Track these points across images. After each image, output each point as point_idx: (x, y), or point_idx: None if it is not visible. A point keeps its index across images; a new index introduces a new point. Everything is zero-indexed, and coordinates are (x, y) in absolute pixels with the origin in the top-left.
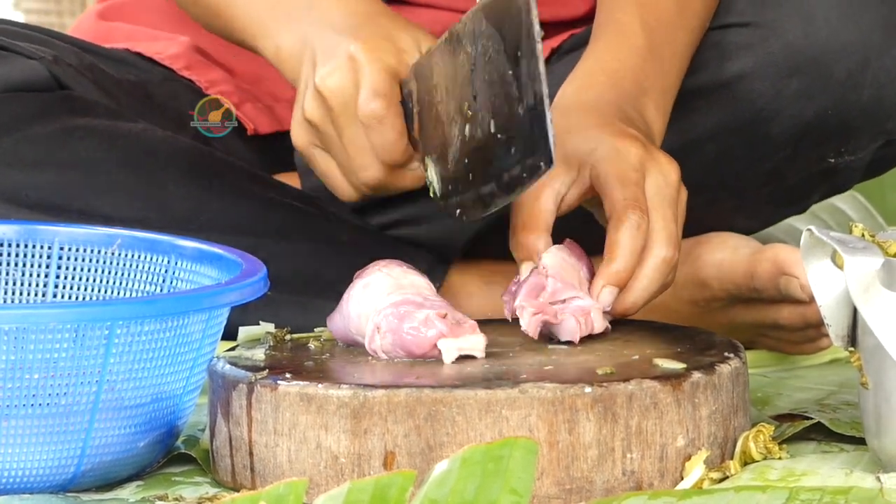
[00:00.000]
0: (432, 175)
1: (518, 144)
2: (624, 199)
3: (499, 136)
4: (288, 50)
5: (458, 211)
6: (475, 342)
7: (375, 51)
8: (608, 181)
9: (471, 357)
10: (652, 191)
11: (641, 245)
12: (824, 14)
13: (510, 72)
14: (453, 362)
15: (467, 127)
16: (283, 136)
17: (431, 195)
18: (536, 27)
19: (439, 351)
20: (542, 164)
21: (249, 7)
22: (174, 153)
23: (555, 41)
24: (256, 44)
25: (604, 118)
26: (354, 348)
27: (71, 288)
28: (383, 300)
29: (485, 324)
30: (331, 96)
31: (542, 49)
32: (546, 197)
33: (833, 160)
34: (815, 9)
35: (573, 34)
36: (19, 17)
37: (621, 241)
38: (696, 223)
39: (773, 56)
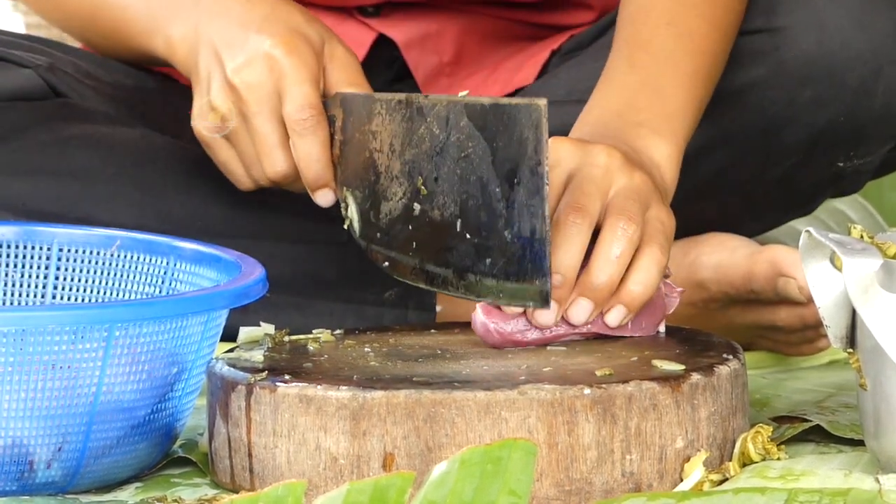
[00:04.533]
0: (352, 212)
1: (497, 261)
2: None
3: (467, 235)
4: (179, 40)
5: (385, 264)
6: None
7: (299, 55)
8: None
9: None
10: (576, 179)
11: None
12: (837, 22)
13: (497, 189)
14: None
15: (419, 202)
16: None
17: (346, 226)
18: (545, 167)
19: None
20: (531, 303)
21: (139, 13)
22: (173, 160)
23: (554, 42)
24: (146, 43)
25: None
26: (351, 350)
27: (70, 289)
28: None
29: None
30: (246, 91)
31: (549, 189)
32: None
33: (843, 165)
34: (828, 17)
35: (573, 35)
36: (18, 18)
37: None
38: (704, 226)
39: (785, 65)
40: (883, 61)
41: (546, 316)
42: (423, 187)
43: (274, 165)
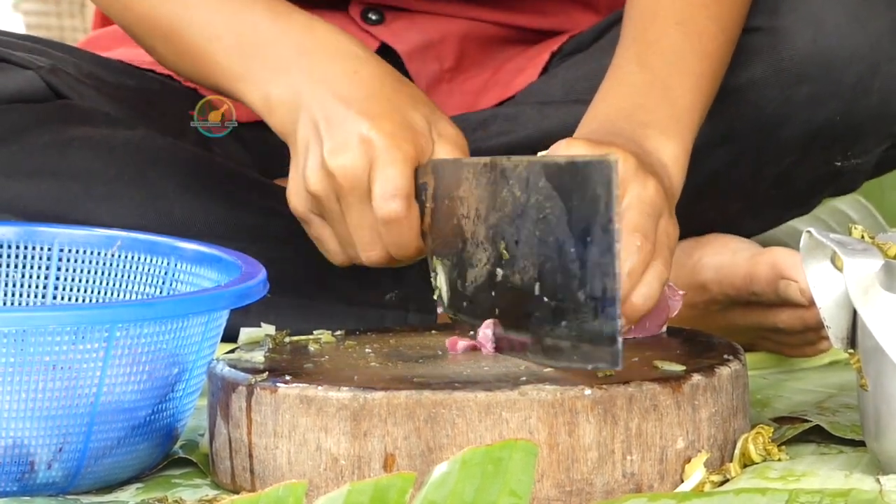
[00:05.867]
0: (441, 282)
1: (571, 322)
2: None
3: (544, 298)
4: (279, 100)
5: (471, 333)
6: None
7: (394, 138)
8: None
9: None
10: None
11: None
12: (834, 20)
13: (572, 249)
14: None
15: (501, 267)
16: (279, 137)
17: (435, 297)
18: (616, 224)
19: None
20: (602, 364)
21: (230, 51)
22: (174, 161)
23: (554, 44)
24: (238, 87)
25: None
26: (352, 351)
27: (71, 290)
28: None
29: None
30: (341, 176)
31: (620, 248)
32: None
33: (840, 163)
34: (825, 15)
35: (573, 36)
36: (18, 19)
37: None
38: (704, 225)
39: (782, 63)
40: (880, 59)
41: None
42: (504, 251)
43: (366, 250)
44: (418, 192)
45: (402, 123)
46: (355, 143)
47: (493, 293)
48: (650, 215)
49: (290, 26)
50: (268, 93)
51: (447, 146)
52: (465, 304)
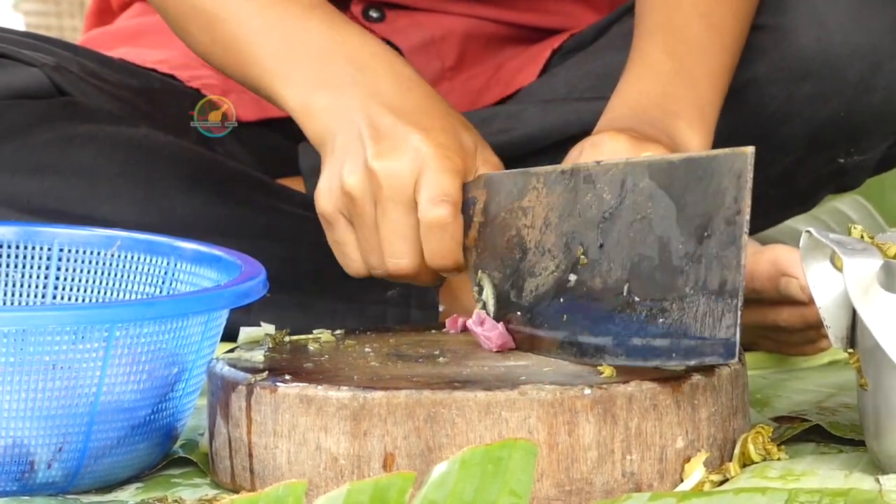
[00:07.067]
0: (487, 295)
1: (673, 319)
2: None
3: (635, 298)
4: (321, 107)
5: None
6: None
7: (444, 148)
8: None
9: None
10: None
11: None
12: (836, 18)
13: (680, 245)
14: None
15: (575, 273)
16: (280, 137)
17: (480, 308)
18: (745, 216)
19: None
20: (715, 357)
21: (275, 49)
22: (177, 159)
23: (555, 41)
24: (275, 87)
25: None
26: (352, 350)
27: (70, 289)
28: None
29: None
30: (385, 177)
31: (746, 239)
32: None
33: (843, 161)
34: (827, 13)
35: (573, 35)
36: (19, 19)
37: None
38: None
39: (785, 60)
40: (882, 57)
41: None
42: (582, 257)
43: (395, 256)
44: (465, 206)
45: (453, 138)
46: (404, 148)
47: (560, 300)
48: None
49: (344, 38)
50: (310, 98)
51: (489, 171)
52: (518, 313)
